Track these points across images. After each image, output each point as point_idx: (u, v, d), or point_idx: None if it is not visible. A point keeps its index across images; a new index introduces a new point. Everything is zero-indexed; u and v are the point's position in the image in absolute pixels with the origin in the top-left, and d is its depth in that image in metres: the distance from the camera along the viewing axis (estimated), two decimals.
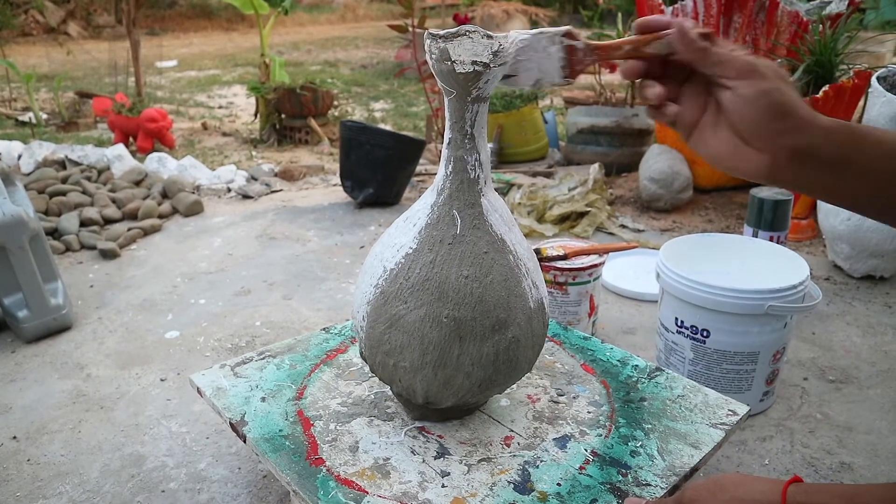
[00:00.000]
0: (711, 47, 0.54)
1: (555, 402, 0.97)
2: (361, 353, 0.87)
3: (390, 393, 0.96)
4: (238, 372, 1.05)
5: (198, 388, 1.02)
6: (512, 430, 0.90)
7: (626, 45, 0.58)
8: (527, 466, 0.83)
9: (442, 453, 0.85)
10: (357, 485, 0.79)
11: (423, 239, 0.77)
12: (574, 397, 0.98)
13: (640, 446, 0.87)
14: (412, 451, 0.85)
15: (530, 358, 0.83)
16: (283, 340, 1.17)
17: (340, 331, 1.20)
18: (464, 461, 0.83)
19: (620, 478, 0.81)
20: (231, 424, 0.92)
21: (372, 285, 0.79)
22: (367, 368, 1.05)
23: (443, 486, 0.79)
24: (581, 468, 0.83)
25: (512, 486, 0.79)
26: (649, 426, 0.91)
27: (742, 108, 0.53)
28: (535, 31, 0.63)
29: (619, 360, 1.09)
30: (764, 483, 0.59)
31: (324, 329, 1.20)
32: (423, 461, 0.83)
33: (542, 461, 0.84)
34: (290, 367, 1.06)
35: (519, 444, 0.87)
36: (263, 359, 1.09)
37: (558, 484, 0.80)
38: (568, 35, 0.62)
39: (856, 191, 0.54)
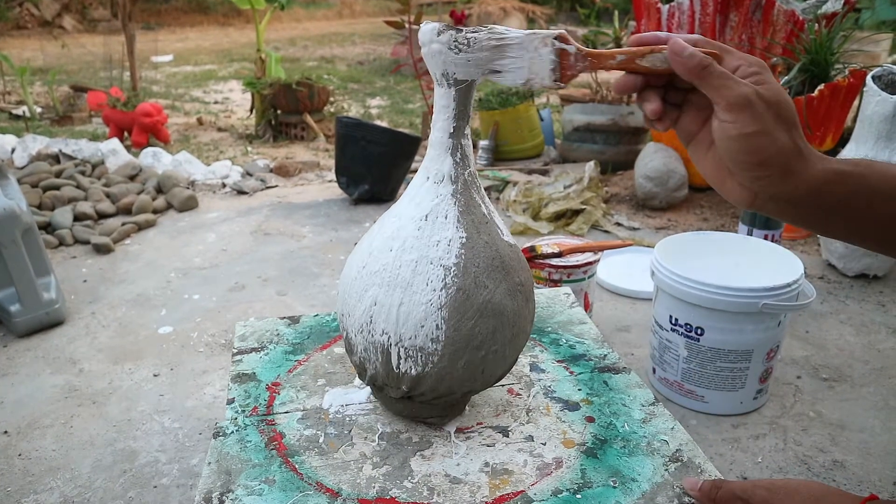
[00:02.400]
0: (709, 67, 0.51)
1: None
2: (420, 374, 0.77)
3: (331, 434, 0.85)
4: None
5: None
6: (502, 385, 0.93)
7: (619, 55, 0.57)
8: (550, 394, 0.90)
9: (497, 433, 0.85)
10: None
11: (467, 226, 0.76)
12: None
13: (576, 342, 1.03)
14: (470, 449, 0.82)
15: None
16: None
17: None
18: (517, 422, 0.86)
19: (607, 351, 0.98)
20: None
21: (438, 289, 0.75)
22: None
23: (532, 454, 0.80)
24: (571, 372, 0.95)
25: (566, 411, 0.86)
26: (552, 326, 1.07)
27: (724, 145, 0.52)
28: (527, 31, 0.62)
29: None
30: (840, 498, 0.56)
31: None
32: (490, 450, 0.82)
33: (551, 386, 0.92)
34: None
35: (522, 387, 0.92)
36: None
37: (579, 390, 0.91)
38: (560, 38, 0.61)
39: (848, 232, 0.53)
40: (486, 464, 0.79)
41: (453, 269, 0.75)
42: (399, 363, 0.77)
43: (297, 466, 0.80)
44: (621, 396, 0.90)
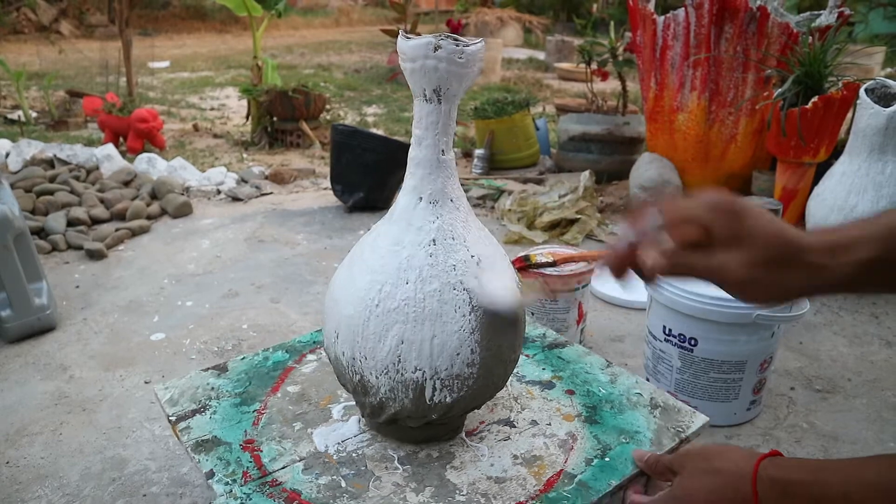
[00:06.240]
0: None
1: None
2: (454, 400, 0.75)
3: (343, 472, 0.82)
4: None
5: None
6: None
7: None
8: (522, 380, 0.97)
9: (504, 426, 0.88)
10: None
11: (477, 241, 0.78)
12: None
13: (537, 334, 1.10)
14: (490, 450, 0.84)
15: None
16: None
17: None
18: (513, 412, 0.90)
19: (543, 329, 1.07)
20: None
21: (467, 314, 0.72)
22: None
23: (546, 435, 0.85)
24: (526, 356, 1.02)
25: (546, 390, 0.94)
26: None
27: None
28: None
29: None
30: (742, 454, 0.64)
31: None
32: (512, 444, 0.85)
33: (518, 372, 0.98)
34: None
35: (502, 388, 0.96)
36: None
37: (543, 369, 0.99)
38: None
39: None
40: (515, 456, 0.82)
41: (476, 289, 0.75)
42: (434, 395, 0.74)
43: None
44: (581, 366, 1.00)
